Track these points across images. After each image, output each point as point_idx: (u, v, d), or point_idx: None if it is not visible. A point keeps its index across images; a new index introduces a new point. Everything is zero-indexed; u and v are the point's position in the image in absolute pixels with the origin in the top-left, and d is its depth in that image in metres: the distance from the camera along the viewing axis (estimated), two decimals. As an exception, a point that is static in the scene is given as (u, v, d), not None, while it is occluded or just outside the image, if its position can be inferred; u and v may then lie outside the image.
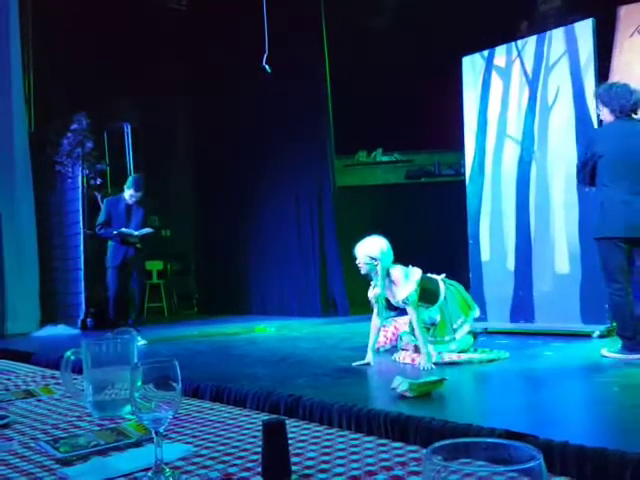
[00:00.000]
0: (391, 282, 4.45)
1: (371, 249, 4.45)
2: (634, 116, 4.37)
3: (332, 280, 9.10)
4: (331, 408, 3.01)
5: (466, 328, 4.51)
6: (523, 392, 3.72)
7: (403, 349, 4.70)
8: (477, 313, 4.66)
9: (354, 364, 4.47)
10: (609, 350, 4.45)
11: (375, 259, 4.43)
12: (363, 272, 4.54)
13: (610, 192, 4.27)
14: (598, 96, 4.53)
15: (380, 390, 3.71)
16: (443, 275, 4.72)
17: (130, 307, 6.72)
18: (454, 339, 4.47)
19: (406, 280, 4.41)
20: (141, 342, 6.25)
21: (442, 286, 4.58)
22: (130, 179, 6.66)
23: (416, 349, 4.53)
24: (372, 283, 4.57)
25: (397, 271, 4.44)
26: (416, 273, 4.48)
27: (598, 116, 4.82)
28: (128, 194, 6.54)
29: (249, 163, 9.76)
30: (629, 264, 4.34)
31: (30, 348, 6.11)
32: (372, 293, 4.59)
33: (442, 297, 4.54)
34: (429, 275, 4.64)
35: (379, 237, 4.54)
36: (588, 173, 4.39)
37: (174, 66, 10.60)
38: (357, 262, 4.52)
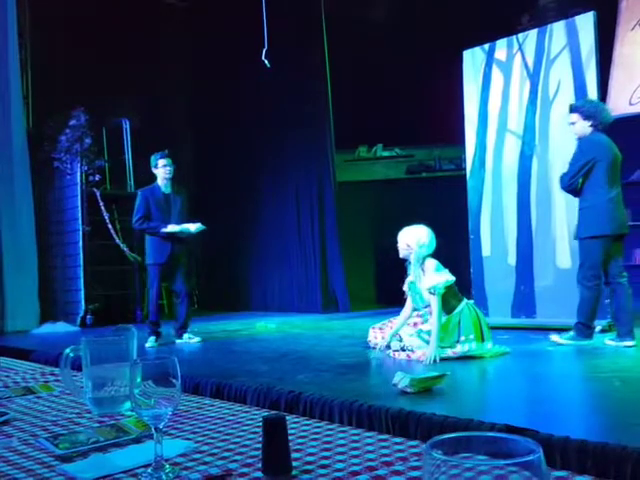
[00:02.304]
0: (422, 271, 4.59)
1: (409, 238, 4.66)
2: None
3: (333, 276, 9.10)
4: (332, 404, 3.01)
5: (458, 349, 4.43)
6: (524, 387, 3.72)
7: (402, 349, 4.66)
8: (488, 346, 4.53)
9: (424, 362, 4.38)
10: (562, 336, 4.88)
11: (416, 246, 4.61)
12: (401, 256, 4.76)
13: (608, 193, 4.73)
14: (581, 110, 4.90)
15: (381, 386, 3.70)
16: (471, 301, 4.82)
17: (175, 303, 6.26)
18: (448, 348, 4.44)
19: (436, 272, 4.53)
20: (194, 340, 6.12)
21: (462, 305, 4.61)
22: (154, 156, 6.08)
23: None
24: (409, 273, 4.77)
25: (430, 262, 4.59)
26: (449, 275, 4.56)
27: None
28: (161, 170, 6.01)
29: (249, 158, 9.75)
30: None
31: (29, 345, 6.11)
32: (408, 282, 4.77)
33: (456, 310, 4.56)
34: (458, 291, 4.69)
35: (424, 228, 4.72)
36: (582, 176, 4.78)
37: (173, 62, 10.59)
38: (398, 245, 4.74)
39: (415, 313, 4.95)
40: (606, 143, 4.84)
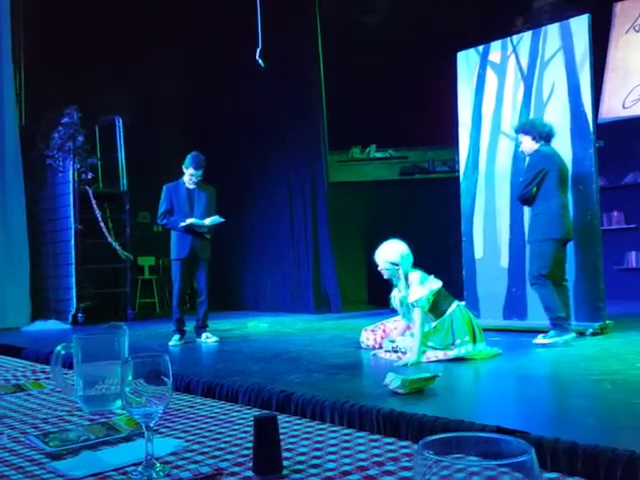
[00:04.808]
0: (407, 285, 4.55)
1: (391, 255, 4.57)
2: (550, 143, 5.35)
3: (325, 277, 9.10)
4: (323, 404, 3.01)
5: (453, 352, 4.43)
6: (515, 389, 3.72)
7: (394, 350, 4.67)
8: (480, 347, 4.53)
9: (396, 364, 4.35)
10: (544, 337, 5.04)
11: (396, 264, 4.54)
12: (385, 277, 4.67)
13: (558, 200, 5.14)
14: (520, 129, 5.40)
15: (373, 386, 3.70)
16: (463, 303, 4.82)
17: (197, 302, 6.25)
18: (441, 351, 4.45)
19: (420, 285, 4.50)
20: (212, 339, 6.09)
21: (453, 307, 4.60)
22: (188, 157, 6.04)
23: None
24: (396, 287, 4.71)
25: (415, 275, 4.54)
26: (434, 283, 4.55)
27: (517, 146, 5.74)
28: (188, 175, 6.02)
29: (242, 158, 9.75)
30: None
31: (21, 343, 6.09)
32: (397, 297, 4.71)
33: (447, 313, 4.55)
34: (448, 294, 4.68)
35: (398, 241, 4.64)
36: (535, 185, 5.16)
37: (167, 60, 10.56)
38: (379, 268, 4.63)
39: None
40: (554, 154, 5.28)
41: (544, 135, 5.28)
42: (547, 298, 5.12)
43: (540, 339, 5.05)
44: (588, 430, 2.65)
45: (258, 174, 9.70)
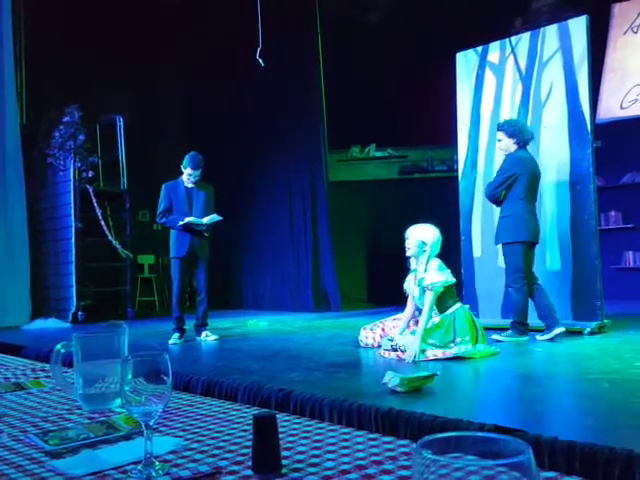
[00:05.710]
0: (426, 269, 4.66)
1: (425, 235, 4.73)
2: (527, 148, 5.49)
3: (325, 275, 9.11)
4: (322, 403, 3.01)
5: (452, 350, 4.46)
6: (513, 387, 3.73)
7: (386, 349, 4.68)
8: (480, 348, 4.53)
9: (406, 359, 4.37)
10: (501, 335, 5.28)
11: (426, 244, 4.68)
12: (409, 254, 4.80)
13: (525, 205, 5.28)
14: (506, 129, 5.43)
15: (371, 385, 3.71)
16: (467, 306, 4.91)
17: (196, 300, 6.27)
18: (440, 349, 4.46)
19: (438, 271, 4.62)
20: (212, 337, 6.11)
21: (456, 306, 4.66)
22: (186, 157, 6.05)
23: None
24: (412, 273, 4.84)
25: (435, 262, 4.68)
26: (450, 276, 4.65)
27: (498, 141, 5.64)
28: (186, 175, 6.04)
29: (242, 158, 9.75)
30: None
31: (20, 341, 6.09)
32: (410, 283, 4.84)
33: (450, 311, 4.62)
34: (455, 293, 4.76)
35: (434, 227, 4.81)
36: (505, 188, 5.32)
37: (167, 60, 10.56)
38: (407, 243, 4.77)
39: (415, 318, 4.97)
40: (528, 160, 5.39)
41: (526, 142, 5.42)
42: (518, 303, 5.31)
43: (497, 336, 5.27)
44: (586, 429, 2.65)
45: (258, 174, 9.70)
